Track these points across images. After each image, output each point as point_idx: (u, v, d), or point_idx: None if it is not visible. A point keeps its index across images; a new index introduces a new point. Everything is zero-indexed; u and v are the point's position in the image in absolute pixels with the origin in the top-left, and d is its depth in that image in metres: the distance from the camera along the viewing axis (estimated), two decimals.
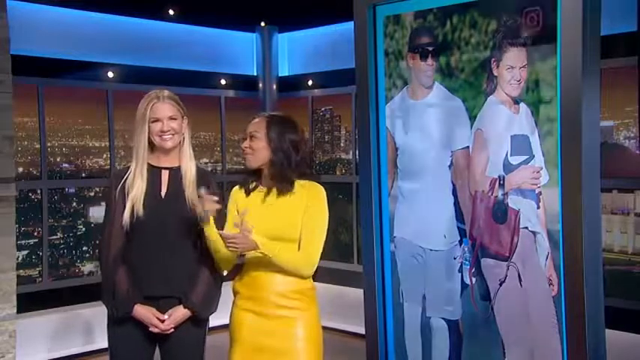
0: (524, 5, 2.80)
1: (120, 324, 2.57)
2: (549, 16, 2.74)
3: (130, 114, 6.19)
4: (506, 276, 2.86)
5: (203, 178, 2.66)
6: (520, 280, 2.80)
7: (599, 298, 2.73)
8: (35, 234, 5.70)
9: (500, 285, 2.87)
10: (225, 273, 2.68)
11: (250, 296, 2.57)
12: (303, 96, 7.14)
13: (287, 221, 2.51)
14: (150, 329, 2.53)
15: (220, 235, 2.46)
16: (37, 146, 5.70)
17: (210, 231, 2.51)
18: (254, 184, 2.64)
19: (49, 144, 5.80)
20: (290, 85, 7.33)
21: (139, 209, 2.55)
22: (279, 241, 2.50)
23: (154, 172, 2.63)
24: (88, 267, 6.11)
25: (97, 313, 5.46)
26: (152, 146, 2.64)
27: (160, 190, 2.62)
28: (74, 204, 6.12)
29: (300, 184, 2.60)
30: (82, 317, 5.69)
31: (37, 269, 5.72)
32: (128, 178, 2.61)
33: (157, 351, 2.68)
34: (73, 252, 6.02)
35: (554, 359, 2.76)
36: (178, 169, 2.64)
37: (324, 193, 2.63)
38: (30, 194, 5.73)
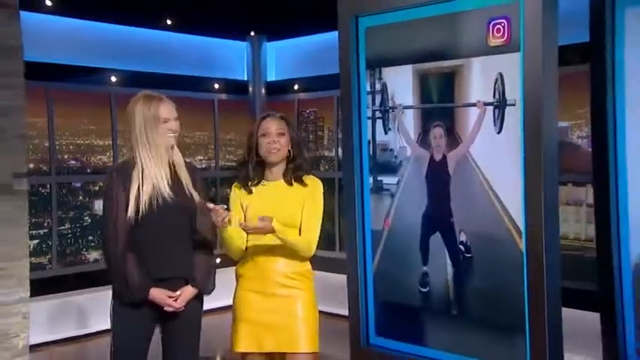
0: (492, 18, 2.86)
1: (124, 308, 2.59)
2: (514, 28, 2.80)
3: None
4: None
5: (190, 170, 2.68)
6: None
7: (557, 279, 2.80)
8: (45, 225, 5.68)
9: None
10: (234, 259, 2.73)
11: (255, 278, 2.61)
12: (289, 99, 7.15)
13: (292, 210, 2.58)
14: (165, 309, 2.55)
15: (244, 226, 2.50)
16: (47, 144, 5.68)
17: (228, 231, 2.56)
18: (255, 180, 2.67)
19: (57, 142, 5.78)
20: (277, 89, 7.36)
21: (146, 202, 2.56)
22: (293, 227, 2.58)
23: None
24: (93, 255, 6.11)
25: (101, 297, 5.49)
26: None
27: None
28: (80, 197, 6.10)
29: (306, 178, 2.68)
30: (87, 300, 5.70)
31: (47, 257, 5.71)
32: (149, 173, 2.57)
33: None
34: (80, 241, 6.01)
35: None
36: (172, 163, 2.66)
37: (322, 186, 2.71)
38: (40, 188, 5.71)
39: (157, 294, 2.54)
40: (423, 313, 3.22)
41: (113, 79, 6.11)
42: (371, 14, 3.28)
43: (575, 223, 4.62)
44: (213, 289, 2.68)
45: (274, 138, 2.62)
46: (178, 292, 2.56)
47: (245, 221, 2.54)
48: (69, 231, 5.95)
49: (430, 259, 3.17)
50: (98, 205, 6.16)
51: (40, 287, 5.05)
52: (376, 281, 3.36)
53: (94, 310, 5.62)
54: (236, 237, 2.59)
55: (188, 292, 2.57)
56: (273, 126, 2.65)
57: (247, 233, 2.57)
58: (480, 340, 3.00)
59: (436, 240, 3.14)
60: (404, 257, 3.25)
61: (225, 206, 2.56)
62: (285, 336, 2.56)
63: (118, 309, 2.61)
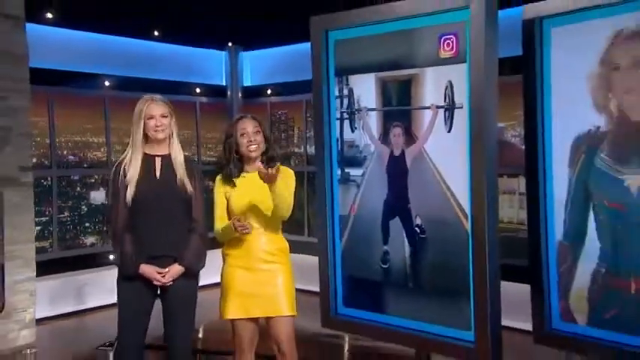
0: (443, 33, 2.90)
1: (127, 280, 2.59)
2: (461, 43, 2.84)
3: (123, 116, 6.19)
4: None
5: (188, 163, 2.69)
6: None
7: (496, 255, 2.85)
8: (47, 213, 5.61)
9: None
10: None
11: (241, 256, 2.65)
12: (263, 102, 7.17)
13: (269, 195, 2.60)
14: (154, 283, 2.56)
15: (233, 224, 2.56)
16: (48, 141, 5.60)
17: (232, 230, 2.63)
18: (237, 174, 2.70)
19: (57, 140, 5.70)
20: (252, 93, 7.35)
21: (139, 188, 2.57)
22: (269, 209, 2.61)
23: (149, 159, 2.64)
24: (90, 239, 6.04)
25: (97, 277, 5.46)
26: (147, 138, 2.65)
27: (155, 173, 2.63)
28: (78, 189, 6.03)
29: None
30: (84, 280, 5.64)
31: (49, 241, 5.65)
32: (125, 164, 2.62)
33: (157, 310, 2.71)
34: (78, 227, 5.95)
35: None
36: (169, 156, 2.66)
37: (293, 173, 2.76)
38: (42, 181, 5.63)
39: (147, 269, 2.55)
40: (383, 286, 3.21)
41: (107, 83, 6.05)
42: (339, 29, 3.27)
43: (509, 209, 4.75)
44: (202, 267, 2.70)
45: (252, 137, 2.65)
46: (167, 269, 2.57)
47: (229, 208, 2.59)
48: (68, 218, 5.88)
49: (390, 240, 3.17)
50: (94, 196, 6.10)
51: (43, 268, 5.01)
52: (343, 259, 3.35)
53: (91, 288, 5.57)
54: (233, 234, 2.65)
55: (175, 269, 2.58)
56: (249, 126, 2.68)
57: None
58: (432, 307, 3.03)
59: (395, 223, 3.14)
60: (368, 238, 3.25)
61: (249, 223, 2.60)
62: (269, 303, 2.60)
63: (121, 284, 2.62)
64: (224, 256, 2.72)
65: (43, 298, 4.93)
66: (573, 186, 2.98)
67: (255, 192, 2.62)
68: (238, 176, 2.69)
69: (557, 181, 3.04)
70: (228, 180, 2.68)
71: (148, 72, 6.30)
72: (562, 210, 3.03)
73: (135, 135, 2.63)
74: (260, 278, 2.60)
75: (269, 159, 2.69)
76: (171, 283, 2.57)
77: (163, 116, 2.63)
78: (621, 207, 2.80)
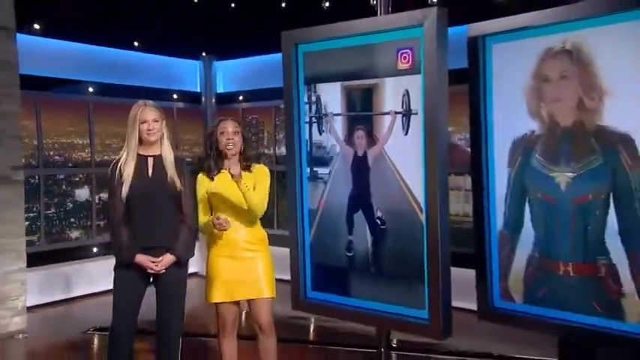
0: (400, 47, 2.93)
1: (122, 268, 2.56)
2: (416, 56, 2.88)
3: (105, 119, 6.05)
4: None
5: (178, 162, 2.67)
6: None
7: (447, 243, 2.90)
8: (34, 209, 5.45)
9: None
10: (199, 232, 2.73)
11: (225, 246, 2.64)
12: (235, 108, 7.11)
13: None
14: (148, 271, 2.53)
15: (212, 222, 2.55)
16: (36, 143, 5.43)
17: (213, 226, 2.60)
18: (216, 170, 2.68)
19: (44, 141, 5.54)
20: (225, 99, 7.29)
21: (133, 186, 2.55)
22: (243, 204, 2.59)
23: (142, 159, 2.61)
24: (74, 233, 5.90)
25: (82, 268, 5.34)
26: (140, 140, 2.62)
27: (148, 172, 2.61)
28: (64, 187, 5.88)
29: (253, 166, 2.72)
30: (70, 270, 5.51)
31: (37, 235, 5.50)
32: (121, 164, 2.59)
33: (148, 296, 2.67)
34: (63, 222, 5.80)
35: None
36: (160, 156, 2.63)
37: (268, 170, 2.75)
38: (30, 179, 5.46)
39: (141, 258, 2.52)
40: (348, 272, 3.23)
41: (90, 89, 5.92)
42: (307, 42, 3.27)
43: (456, 203, 4.84)
44: (192, 257, 2.69)
45: (231, 136, 2.65)
46: (160, 259, 2.55)
47: (210, 202, 2.58)
48: (54, 214, 5.74)
49: (354, 231, 3.18)
50: (78, 193, 5.95)
51: (32, 260, 4.87)
52: (312, 248, 3.34)
53: (77, 278, 5.45)
54: (213, 229, 2.66)
55: (167, 258, 2.56)
56: (229, 126, 2.67)
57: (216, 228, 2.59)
58: (391, 290, 3.07)
59: (359, 216, 3.15)
60: (334, 229, 3.25)
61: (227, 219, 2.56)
62: (251, 287, 2.61)
63: (117, 272, 2.58)
64: (209, 247, 2.70)
65: (31, 287, 4.79)
66: (512, 182, 3.05)
67: (234, 188, 2.61)
68: (218, 172, 2.67)
69: (498, 178, 3.10)
70: (208, 174, 2.67)
71: (128, 79, 6.19)
72: (502, 203, 3.09)
73: (129, 137, 2.60)
74: (242, 265, 2.60)
75: (247, 158, 2.69)
76: (163, 271, 2.54)
77: (155, 120, 2.61)
78: (552, 200, 2.89)
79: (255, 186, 2.61)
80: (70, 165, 5.88)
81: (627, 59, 2.62)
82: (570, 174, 2.81)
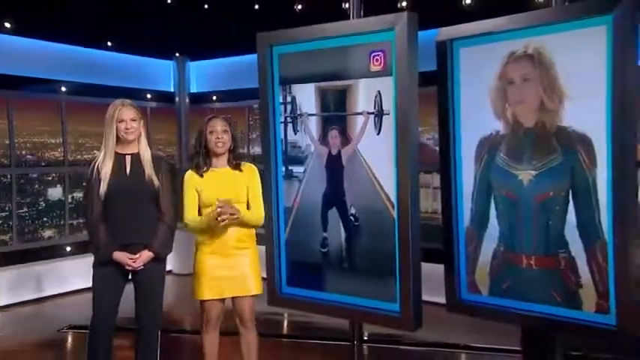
0: (372, 50, 2.98)
1: (101, 266, 2.53)
2: (388, 59, 2.92)
3: (78, 118, 5.95)
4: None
5: (156, 160, 2.65)
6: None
7: (418, 239, 2.96)
8: (7, 208, 5.32)
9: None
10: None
11: (214, 244, 2.63)
12: (208, 107, 7.05)
13: (237, 189, 2.58)
14: (126, 268, 2.51)
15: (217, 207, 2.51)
16: (7, 142, 5.30)
17: (203, 224, 2.56)
18: (205, 167, 2.68)
19: (16, 140, 5.41)
20: (199, 99, 7.24)
21: (111, 184, 2.53)
22: (236, 202, 2.57)
23: (120, 157, 2.59)
24: (47, 233, 5.78)
25: (54, 267, 5.24)
26: (118, 139, 2.60)
27: (126, 170, 2.59)
28: (36, 186, 5.76)
29: (243, 164, 2.72)
30: (42, 270, 5.40)
31: (9, 235, 5.37)
32: (99, 162, 2.57)
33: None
34: (36, 222, 5.68)
35: None
36: (138, 154, 2.61)
37: (257, 170, 2.74)
38: (2, 178, 5.34)
39: (119, 255, 2.51)
40: (323, 268, 3.25)
41: (63, 89, 5.81)
42: (283, 44, 3.28)
43: (425, 201, 4.91)
44: (169, 253, 2.68)
45: (220, 135, 2.64)
46: (138, 255, 2.54)
47: (200, 200, 2.58)
48: (27, 213, 5.62)
49: (328, 227, 3.21)
50: (51, 193, 5.84)
51: (4, 259, 4.77)
52: (287, 245, 3.34)
53: (49, 277, 5.35)
54: (212, 222, 2.64)
55: (145, 255, 2.55)
56: (218, 125, 2.67)
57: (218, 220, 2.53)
58: (364, 285, 3.11)
59: (333, 213, 3.18)
60: (309, 226, 3.26)
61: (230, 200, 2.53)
62: (238, 284, 2.61)
63: (95, 269, 2.55)
64: (198, 245, 2.68)
65: (4, 287, 4.68)
66: (478, 180, 3.12)
67: (223, 186, 2.60)
68: (207, 170, 2.67)
69: (465, 176, 3.17)
70: (197, 172, 2.66)
71: (102, 79, 6.10)
72: (469, 200, 3.17)
73: (107, 136, 2.58)
74: (231, 263, 2.60)
75: (236, 157, 2.69)
76: (142, 267, 2.53)
77: (133, 120, 2.59)
78: (515, 197, 2.97)
79: (250, 190, 2.60)
80: (43, 164, 5.75)
81: (585, 64, 2.72)
82: (532, 172, 2.90)
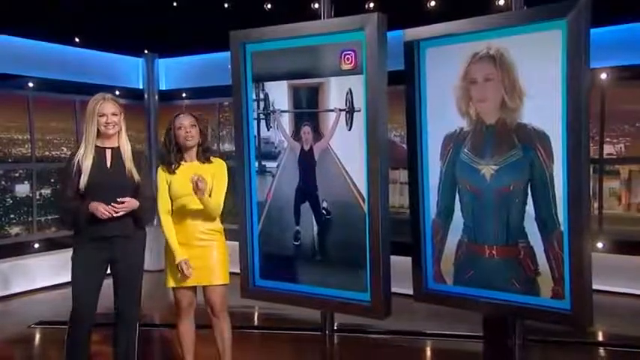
0: (343, 49, 3.00)
1: (79, 257, 2.48)
2: (359, 58, 2.95)
3: (46, 114, 5.78)
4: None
5: (136, 155, 2.61)
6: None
7: (388, 231, 3.00)
8: None
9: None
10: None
11: (181, 234, 2.61)
12: (178, 105, 6.91)
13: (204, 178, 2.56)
14: (99, 215, 2.41)
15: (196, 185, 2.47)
16: None
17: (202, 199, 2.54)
18: (176, 163, 2.66)
19: None
20: (168, 96, 7.08)
21: (92, 177, 2.48)
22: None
23: (100, 151, 2.53)
24: (14, 230, 5.57)
25: (21, 264, 5.09)
26: (98, 133, 2.55)
27: (107, 164, 2.53)
28: (3, 182, 5.54)
29: (213, 159, 2.71)
30: (10, 267, 5.22)
31: None
32: (79, 156, 2.51)
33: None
34: (3, 219, 5.46)
35: None
36: (118, 148, 2.56)
37: (225, 164, 2.73)
38: None
39: (95, 204, 2.41)
40: (295, 260, 3.26)
41: (30, 84, 5.61)
42: (255, 42, 3.26)
43: (392, 196, 4.98)
44: (151, 220, 2.64)
45: (188, 129, 2.62)
46: (124, 199, 2.43)
47: (170, 193, 2.57)
48: None
49: (301, 221, 3.23)
50: (18, 189, 5.64)
51: None
52: (260, 238, 3.36)
53: (16, 275, 5.18)
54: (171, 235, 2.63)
55: (132, 202, 2.44)
56: (186, 121, 2.65)
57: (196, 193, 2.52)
58: (336, 276, 3.13)
59: (305, 207, 3.20)
60: (282, 220, 3.27)
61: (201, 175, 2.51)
62: (204, 274, 2.60)
63: (74, 260, 2.49)
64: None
65: None
66: (443, 175, 3.19)
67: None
68: (178, 165, 2.65)
69: (431, 171, 3.23)
70: (169, 168, 2.64)
71: (70, 75, 5.89)
72: (435, 194, 3.24)
73: (88, 130, 2.51)
74: (197, 253, 2.58)
75: (204, 151, 2.68)
76: (123, 212, 2.43)
77: (114, 114, 2.53)
78: (478, 191, 3.06)
79: (214, 181, 2.59)
80: (10, 160, 5.55)
81: (542, 65, 2.84)
82: (494, 167, 3.01)
